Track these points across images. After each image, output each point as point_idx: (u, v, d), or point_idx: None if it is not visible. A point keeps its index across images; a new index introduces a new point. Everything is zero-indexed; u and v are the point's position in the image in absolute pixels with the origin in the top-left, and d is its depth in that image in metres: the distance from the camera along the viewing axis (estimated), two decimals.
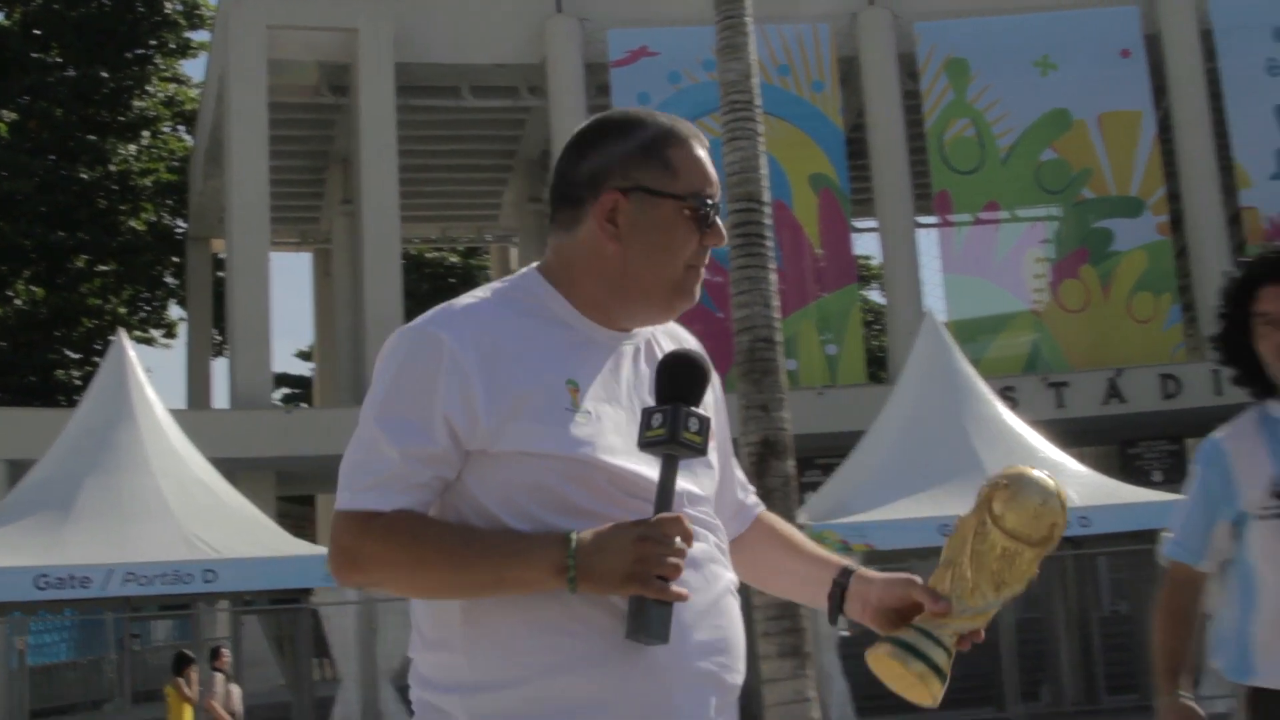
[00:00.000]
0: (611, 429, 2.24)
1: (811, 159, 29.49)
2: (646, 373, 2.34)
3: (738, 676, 2.28)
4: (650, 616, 2.11)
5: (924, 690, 2.27)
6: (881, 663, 2.29)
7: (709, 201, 2.30)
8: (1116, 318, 28.96)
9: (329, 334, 35.59)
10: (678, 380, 2.23)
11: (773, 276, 10.02)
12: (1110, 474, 21.00)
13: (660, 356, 2.32)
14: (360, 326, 28.86)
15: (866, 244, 44.44)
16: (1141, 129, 29.90)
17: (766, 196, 10.17)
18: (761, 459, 9.33)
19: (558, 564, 2.11)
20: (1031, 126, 29.90)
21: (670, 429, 2.17)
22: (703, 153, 2.33)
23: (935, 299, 31.21)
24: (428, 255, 43.26)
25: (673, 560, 2.12)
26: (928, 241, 33.10)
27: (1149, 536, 14.28)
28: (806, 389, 27.40)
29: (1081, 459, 20.08)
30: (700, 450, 2.20)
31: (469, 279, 44.53)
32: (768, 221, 10.13)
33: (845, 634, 16.43)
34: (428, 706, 2.23)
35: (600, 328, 2.31)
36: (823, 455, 25.14)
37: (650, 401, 2.27)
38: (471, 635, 2.19)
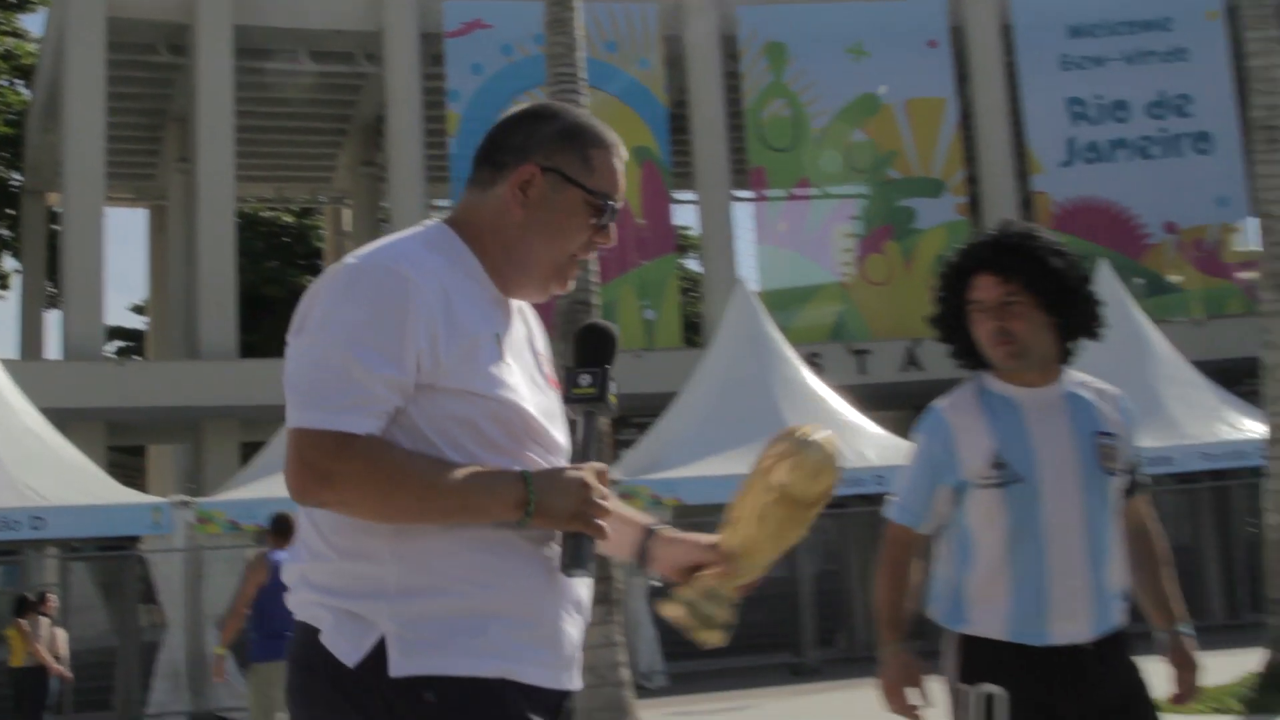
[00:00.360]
0: (524, 381, 2.41)
1: (635, 132, 29.56)
2: (525, 335, 2.51)
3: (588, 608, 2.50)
4: (584, 552, 2.32)
5: (708, 637, 2.50)
6: (672, 615, 2.53)
7: (611, 205, 2.45)
8: (917, 291, 29.52)
9: (163, 289, 34.92)
10: (600, 345, 2.47)
11: None
12: (907, 436, 21.47)
13: (528, 326, 2.52)
14: (194, 282, 28.30)
15: (686, 215, 44.65)
16: (945, 115, 30.55)
17: None
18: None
19: (519, 499, 2.27)
20: (843, 109, 30.38)
21: (600, 388, 2.42)
22: (619, 165, 2.49)
23: (749, 269, 31.59)
24: (262, 214, 42.48)
25: (605, 504, 2.33)
26: (743, 214, 33.39)
27: None
28: (624, 352, 27.25)
29: (881, 422, 20.55)
30: (614, 411, 2.44)
31: (303, 239, 43.89)
32: None
33: (655, 583, 16.64)
34: (339, 613, 2.28)
35: (498, 290, 2.44)
36: (638, 415, 25.41)
37: (530, 359, 2.48)
38: (401, 550, 2.27)
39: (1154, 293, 29.88)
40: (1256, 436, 14.84)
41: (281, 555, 9.65)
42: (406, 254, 2.33)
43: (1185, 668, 3.74)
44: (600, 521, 2.32)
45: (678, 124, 30.94)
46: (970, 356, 3.71)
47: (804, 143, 30.24)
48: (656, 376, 25.37)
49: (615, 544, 2.59)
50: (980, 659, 3.56)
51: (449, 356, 2.29)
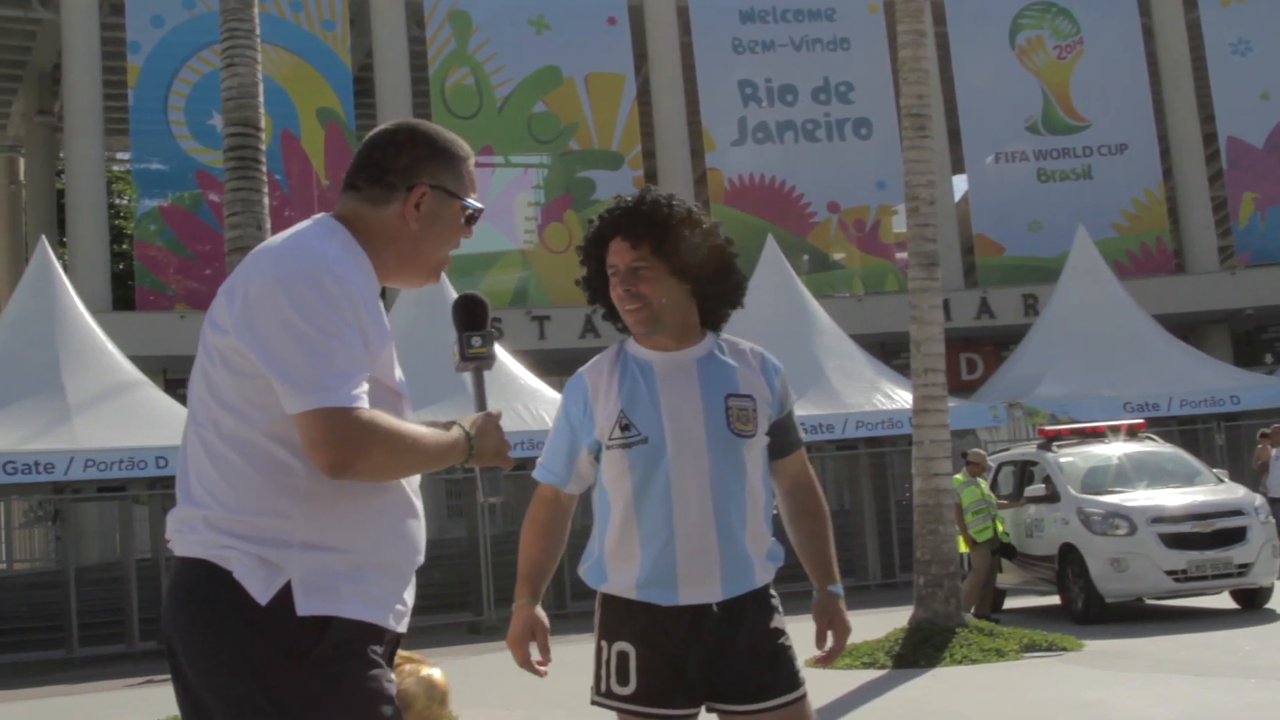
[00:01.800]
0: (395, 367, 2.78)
1: (320, 93, 28.71)
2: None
3: None
4: (500, 481, 2.90)
5: None
6: None
7: (480, 209, 2.88)
8: None
9: None
10: (480, 311, 3.00)
11: (265, 199, 9.58)
12: None
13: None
14: None
15: None
16: (623, 90, 30.60)
17: (262, 123, 9.70)
18: None
19: (465, 446, 2.76)
20: (525, 80, 30.10)
21: (490, 348, 2.97)
22: (473, 170, 2.91)
23: None
24: None
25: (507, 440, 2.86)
26: None
27: None
28: None
29: (558, 387, 20.45)
30: (491, 368, 3.00)
31: None
32: (262, 147, 9.67)
33: None
34: (252, 557, 2.57)
35: (378, 284, 2.79)
36: None
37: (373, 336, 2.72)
38: (309, 511, 2.60)
39: (817, 269, 30.73)
40: (908, 406, 15.30)
41: None
42: (340, 259, 2.63)
43: (835, 627, 3.75)
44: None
45: (362, 87, 30.22)
46: (619, 319, 3.75)
47: (487, 111, 29.84)
48: None
49: None
50: (615, 617, 3.64)
51: (376, 349, 2.64)
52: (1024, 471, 16.02)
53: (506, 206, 29.95)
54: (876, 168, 31.02)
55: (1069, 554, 14.46)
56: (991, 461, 16.81)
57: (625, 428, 3.59)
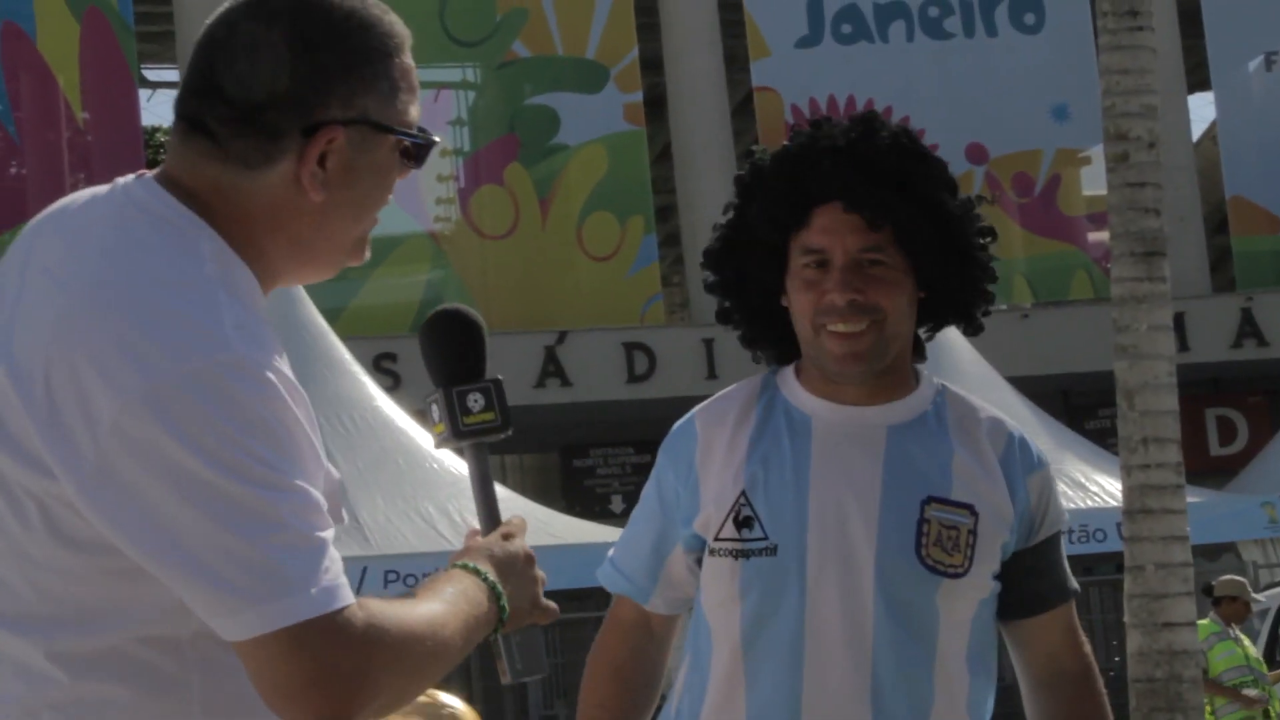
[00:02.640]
0: None
1: None
2: None
3: None
4: (540, 645, 2.86)
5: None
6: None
7: (431, 141, 2.77)
8: (560, 250, 29.58)
9: None
10: (471, 346, 2.94)
11: None
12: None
13: None
14: None
15: (164, 109, 44.03)
16: None
17: None
18: None
19: (494, 611, 2.71)
20: None
21: (502, 413, 2.89)
22: (412, 62, 2.77)
23: None
24: None
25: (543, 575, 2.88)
26: None
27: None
28: None
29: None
30: (508, 434, 2.95)
31: None
32: None
33: None
34: None
35: (264, 309, 2.70)
36: None
37: None
38: (211, 690, 2.57)
39: None
40: (1116, 504, 15.25)
41: None
42: (236, 325, 2.50)
43: None
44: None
45: None
46: (777, 343, 3.88)
47: None
48: None
49: None
50: None
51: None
52: None
53: None
54: (1053, 85, 31.11)
55: None
56: (1264, 599, 16.63)
57: (744, 523, 3.71)
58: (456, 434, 2.87)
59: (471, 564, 2.72)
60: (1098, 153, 27.20)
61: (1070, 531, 20.27)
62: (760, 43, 31.33)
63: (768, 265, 3.78)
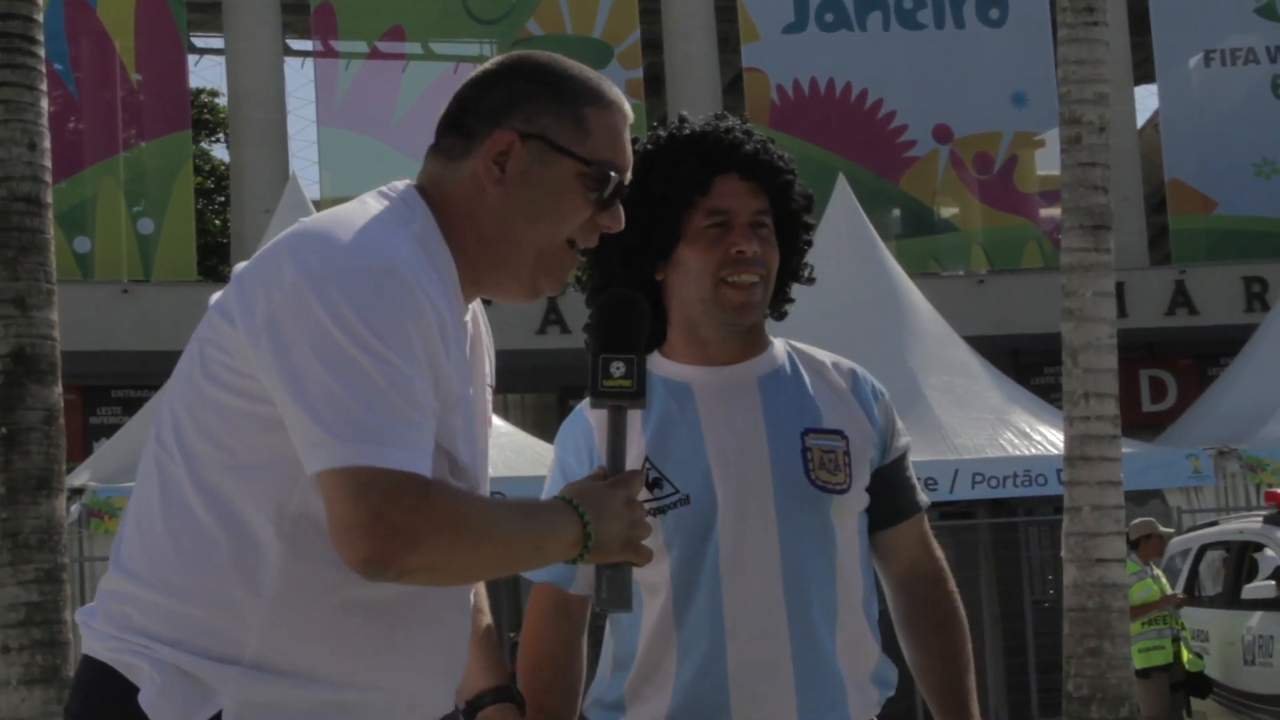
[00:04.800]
0: (473, 427, 2.90)
1: None
2: (480, 358, 3.01)
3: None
4: (628, 583, 2.90)
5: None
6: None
7: (614, 176, 2.89)
8: None
9: None
10: (631, 321, 3.04)
11: (44, 103, 9.58)
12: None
13: (480, 338, 3.02)
14: None
15: (210, 73, 43.83)
16: None
17: None
18: (12, 380, 8.89)
19: (577, 534, 2.77)
20: None
21: (638, 382, 2.96)
22: (624, 127, 2.95)
23: (305, 162, 30.99)
24: None
25: (647, 521, 2.90)
26: (300, 77, 32.94)
27: None
28: (105, 283, 26.77)
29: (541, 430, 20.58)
30: (643, 406, 3.07)
31: None
32: (38, 18, 9.64)
33: None
34: (171, 671, 2.66)
35: (463, 305, 2.88)
36: (127, 384, 24.66)
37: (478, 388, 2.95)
38: (281, 613, 2.68)
39: (916, 231, 30.80)
40: (1058, 452, 15.32)
41: None
42: (407, 259, 2.69)
43: None
44: (647, 544, 2.89)
45: None
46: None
47: None
48: (154, 325, 24.68)
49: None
50: None
51: (445, 399, 2.73)
52: (1241, 559, 16.09)
53: (424, 122, 29.85)
54: (1013, 73, 31.12)
55: None
56: (1184, 541, 16.73)
57: (655, 483, 3.66)
58: (595, 393, 2.98)
59: (568, 495, 2.81)
60: (1052, 136, 27.33)
61: (1015, 476, 20.49)
62: (751, 27, 31.24)
63: (652, 238, 3.74)
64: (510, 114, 2.85)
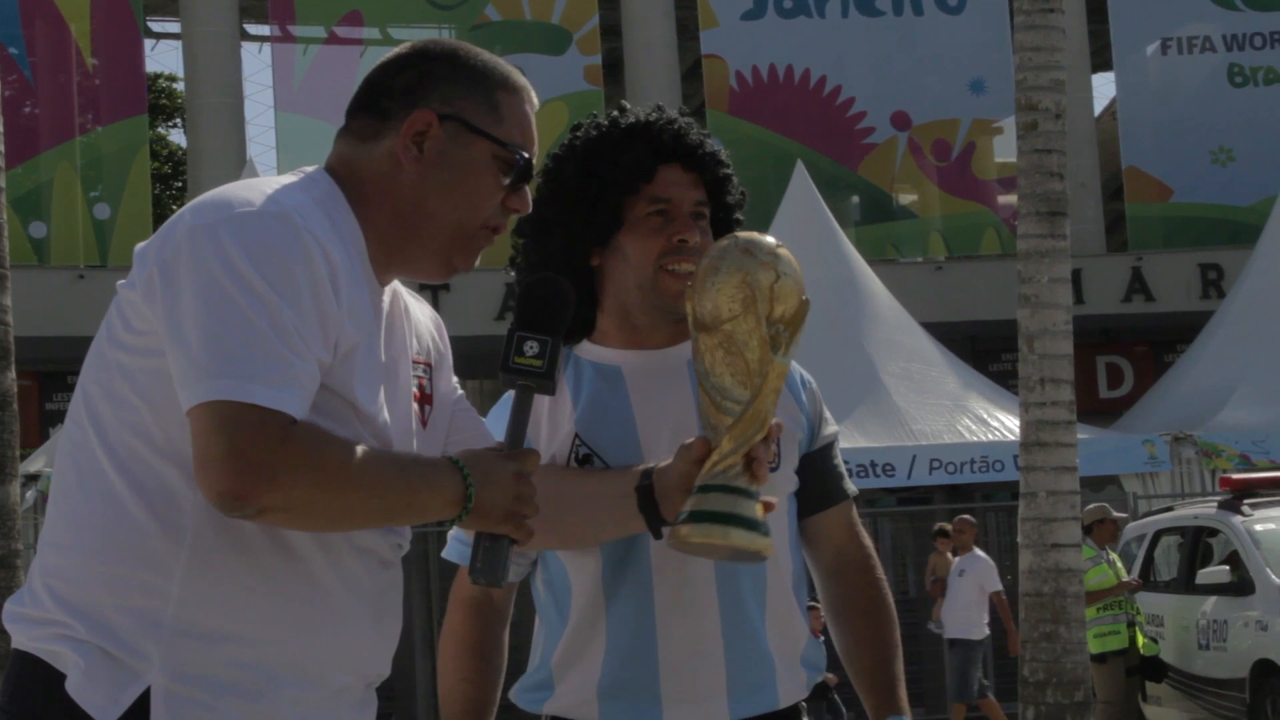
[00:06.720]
0: (388, 396, 2.90)
1: None
2: (400, 332, 3.01)
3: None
4: (504, 558, 2.89)
5: (748, 544, 3.16)
6: (694, 546, 3.16)
7: (526, 159, 2.95)
8: None
9: None
10: (552, 305, 3.03)
11: None
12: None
13: (404, 317, 3.03)
14: None
15: (167, 58, 43.64)
16: None
17: None
18: None
19: (458, 493, 2.78)
20: None
21: (549, 364, 2.95)
22: (531, 111, 3.03)
23: (263, 147, 30.86)
24: None
25: (535, 499, 2.87)
26: (256, 62, 32.79)
27: None
28: (61, 268, 26.74)
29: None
30: (551, 392, 3.03)
31: None
32: None
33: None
34: (94, 653, 2.66)
35: (374, 271, 2.91)
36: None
37: (398, 363, 2.96)
38: (198, 570, 2.68)
39: (874, 217, 30.85)
40: (1014, 438, 15.35)
41: None
42: (298, 206, 2.74)
43: None
44: (529, 523, 2.86)
45: None
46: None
47: None
48: (104, 312, 24.54)
49: (613, 512, 3.45)
50: None
51: (335, 344, 2.73)
52: (1196, 545, 16.13)
53: None
54: (972, 62, 31.18)
55: (1268, 676, 14.38)
56: (1140, 527, 16.76)
57: (584, 460, 3.68)
58: (505, 368, 2.95)
59: (456, 457, 2.82)
60: (1010, 124, 27.25)
61: (972, 462, 20.52)
62: (710, 14, 31.22)
63: (594, 222, 3.76)
64: (426, 95, 2.92)
